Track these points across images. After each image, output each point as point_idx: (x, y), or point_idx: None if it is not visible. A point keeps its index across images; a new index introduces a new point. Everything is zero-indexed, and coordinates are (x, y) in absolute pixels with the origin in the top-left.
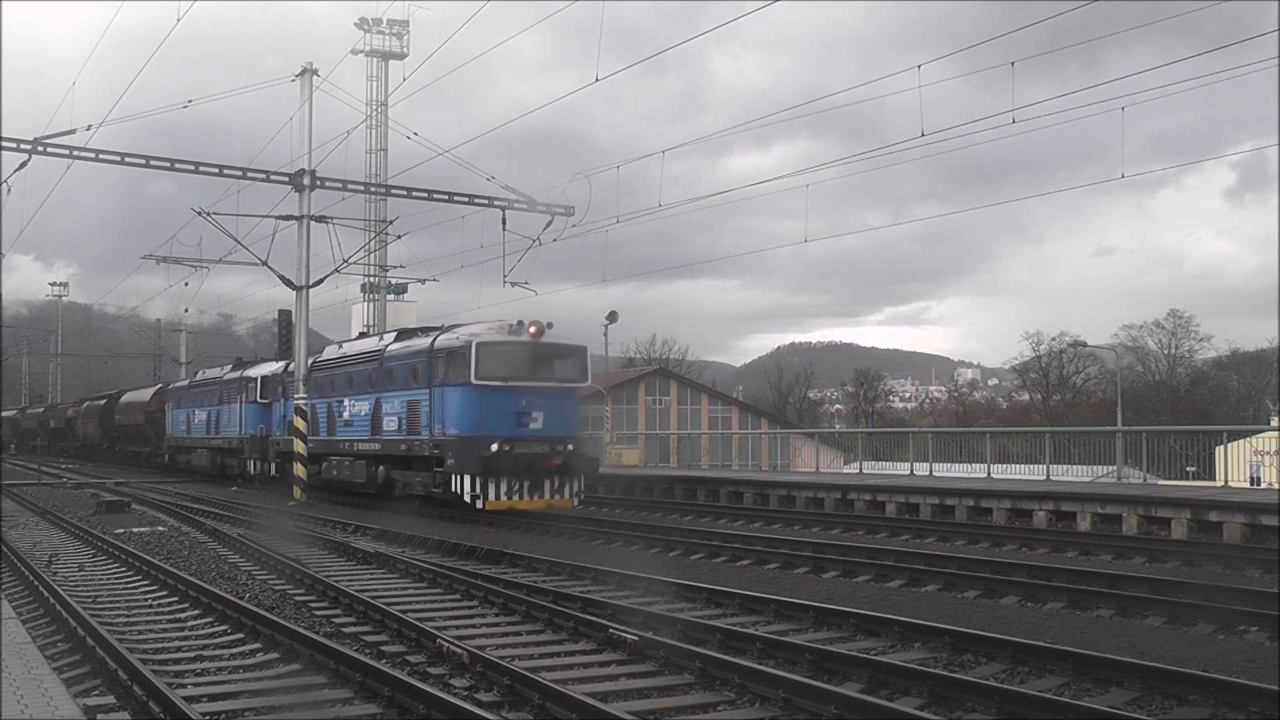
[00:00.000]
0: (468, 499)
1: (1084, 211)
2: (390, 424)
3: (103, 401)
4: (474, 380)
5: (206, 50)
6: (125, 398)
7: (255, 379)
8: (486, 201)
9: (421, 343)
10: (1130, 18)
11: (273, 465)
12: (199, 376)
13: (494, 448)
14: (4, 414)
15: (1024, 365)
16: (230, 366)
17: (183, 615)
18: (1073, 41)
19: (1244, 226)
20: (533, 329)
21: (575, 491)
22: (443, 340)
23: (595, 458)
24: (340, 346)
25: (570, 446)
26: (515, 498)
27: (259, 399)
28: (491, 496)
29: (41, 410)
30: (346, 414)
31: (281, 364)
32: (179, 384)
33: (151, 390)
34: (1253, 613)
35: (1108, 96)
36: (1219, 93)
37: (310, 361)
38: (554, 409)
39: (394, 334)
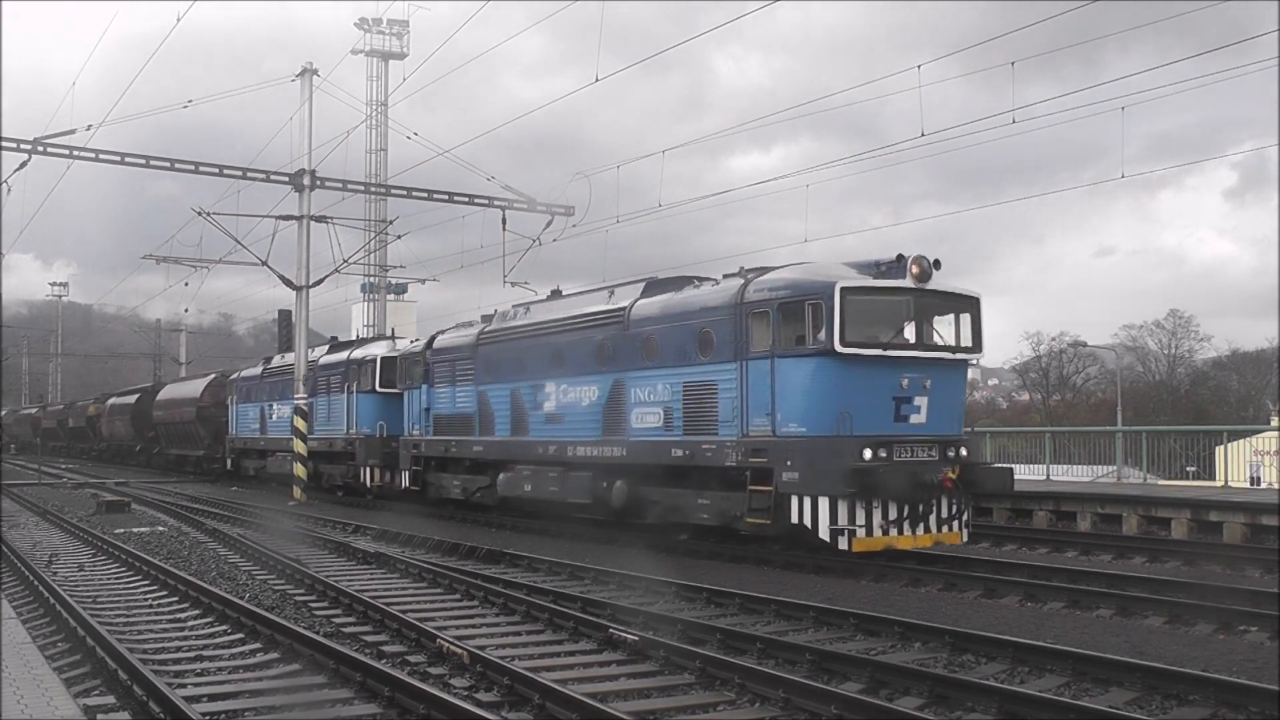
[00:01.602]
0: (824, 534)
1: (1084, 212)
2: (646, 418)
3: (135, 396)
4: (838, 347)
5: (208, 51)
6: (167, 391)
7: (372, 361)
8: (486, 201)
9: (717, 293)
10: (1129, 18)
11: (407, 475)
12: (276, 362)
13: (866, 454)
14: (22, 412)
15: (1024, 365)
16: (327, 348)
17: (183, 615)
18: (1073, 41)
19: (1245, 227)
20: (915, 268)
21: (966, 520)
22: (765, 285)
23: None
24: (528, 309)
25: (964, 451)
26: (893, 531)
27: (377, 387)
28: (862, 532)
29: (61, 408)
30: (551, 404)
31: (421, 340)
32: (248, 372)
33: (204, 381)
34: (1253, 613)
35: (1108, 97)
36: (1219, 93)
37: (476, 331)
38: (941, 394)
39: (638, 284)
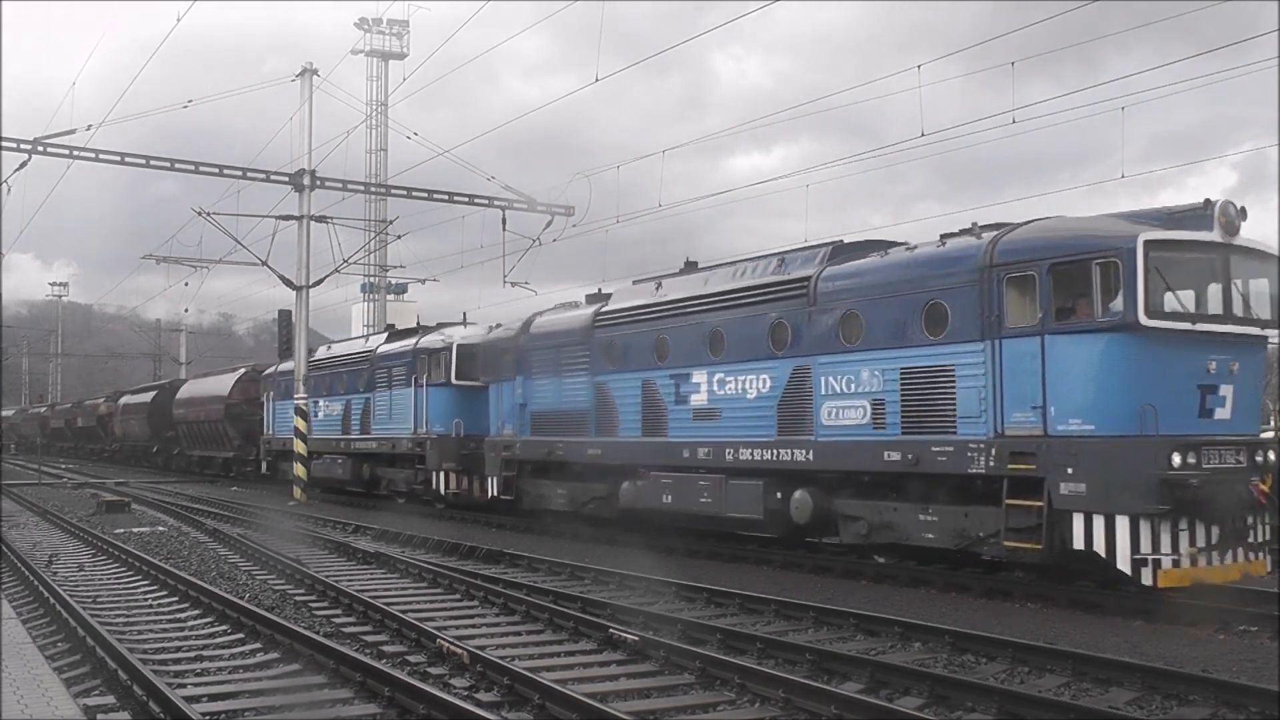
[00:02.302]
0: (1123, 565)
1: (1085, 212)
2: (844, 414)
3: (152, 394)
4: (1142, 319)
5: (208, 52)
6: (190, 388)
7: (446, 350)
8: (486, 201)
9: (950, 254)
10: (1129, 18)
11: (495, 482)
12: (323, 354)
13: (1175, 459)
14: (30, 411)
15: None
16: (385, 335)
17: (183, 615)
18: (1073, 41)
19: (1245, 227)
20: (1223, 218)
21: (1268, 541)
22: (1026, 242)
23: None
24: (659, 285)
25: (1272, 455)
26: (1202, 561)
27: (453, 379)
28: (1168, 562)
29: (69, 407)
30: (701, 398)
31: (508, 324)
32: (289, 366)
33: (233, 377)
34: (1253, 613)
35: (1108, 96)
36: (1219, 93)
37: (591, 313)
38: (1245, 381)
39: (817, 249)
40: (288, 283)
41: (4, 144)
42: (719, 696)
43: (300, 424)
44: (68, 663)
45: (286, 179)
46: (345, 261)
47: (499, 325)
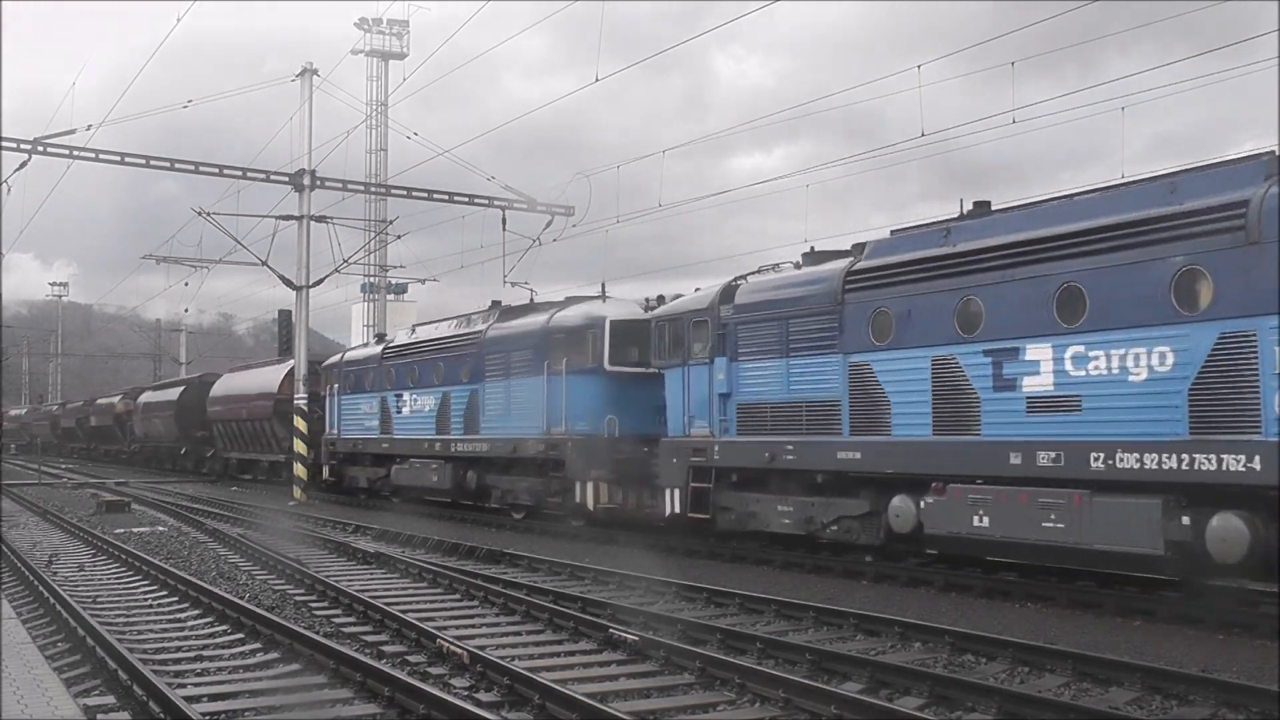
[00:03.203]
0: None
1: None
2: None
3: (179, 390)
4: None
5: (209, 53)
6: (228, 382)
7: (596, 327)
8: (486, 201)
9: None
10: (1130, 18)
11: (681, 495)
12: (405, 338)
13: None
14: (42, 409)
15: None
16: (495, 313)
17: (183, 615)
18: (1073, 41)
19: None
20: None
21: None
22: None
23: None
24: (947, 233)
25: None
26: None
27: (605, 364)
28: None
29: (81, 404)
30: (1044, 379)
31: (703, 293)
32: (358, 353)
33: (283, 369)
34: (1253, 613)
35: (1108, 96)
36: (1219, 93)
37: (841, 271)
38: None
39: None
40: (288, 283)
41: (4, 144)
42: (719, 696)
43: (300, 424)
44: (68, 663)
45: (286, 179)
46: (345, 261)
47: (659, 298)
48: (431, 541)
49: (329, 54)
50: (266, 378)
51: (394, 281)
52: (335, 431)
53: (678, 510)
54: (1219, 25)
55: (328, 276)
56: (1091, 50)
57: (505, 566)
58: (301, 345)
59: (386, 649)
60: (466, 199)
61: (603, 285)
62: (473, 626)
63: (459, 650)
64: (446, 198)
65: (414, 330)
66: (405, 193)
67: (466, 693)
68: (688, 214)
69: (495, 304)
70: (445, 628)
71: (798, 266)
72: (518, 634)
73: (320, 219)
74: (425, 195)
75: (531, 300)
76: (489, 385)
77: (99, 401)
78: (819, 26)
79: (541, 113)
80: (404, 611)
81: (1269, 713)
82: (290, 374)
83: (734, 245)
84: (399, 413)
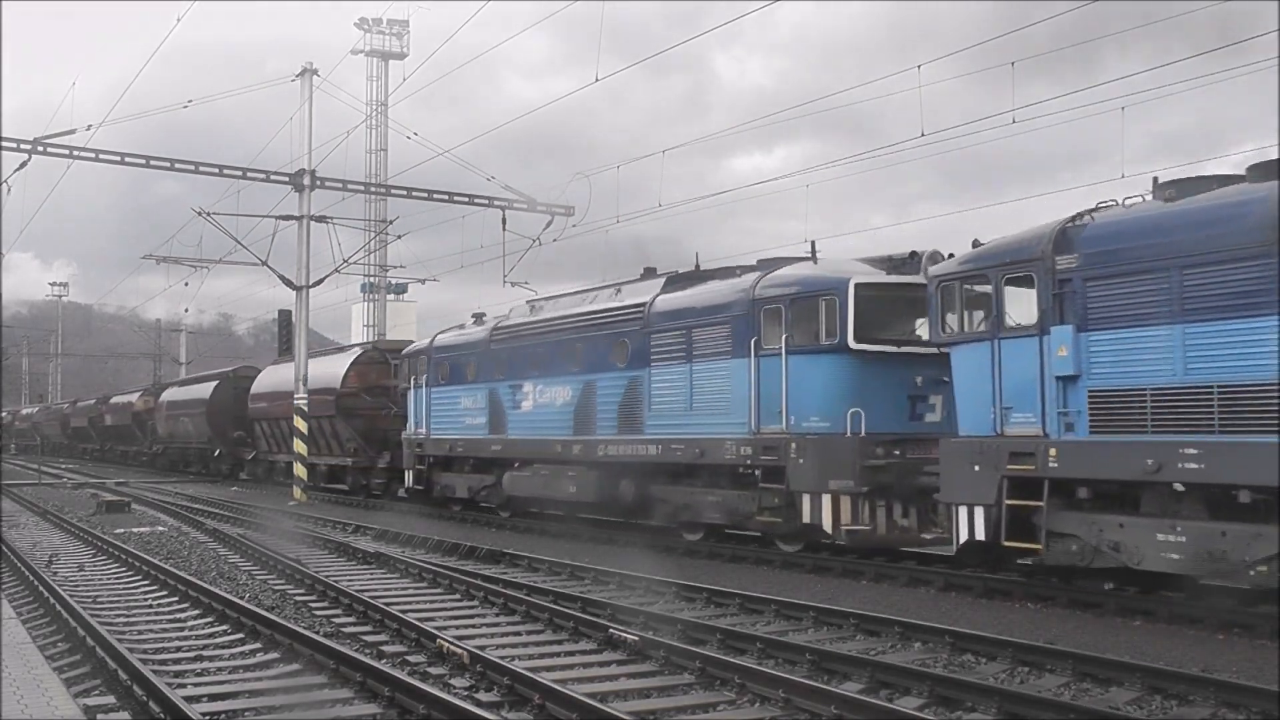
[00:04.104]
0: None
1: None
2: None
3: (212, 385)
4: None
5: (211, 55)
6: (273, 376)
7: (829, 295)
8: (486, 201)
9: None
10: (1129, 18)
11: (987, 516)
12: (523, 316)
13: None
14: (52, 408)
15: None
16: (657, 280)
17: (183, 615)
18: (1073, 41)
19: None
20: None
21: None
22: None
23: None
24: None
25: None
26: None
27: (849, 341)
28: None
29: (94, 402)
30: None
31: (1021, 238)
32: (451, 337)
33: (346, 359)
34: (1253, 613)
35: (1108, 97)
36: (1219, 93)
37: None
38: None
39: None
40: (288, 283)
41: (4, 144)
42: (719, 696)
43: (300, 424)
44: (68, 663)
45: (286, 179)
46: (345, 261)
47: (924, 254)
48: (431, 541)
49: (329, 54)
50: (327, 370)
51: (394, 281)
52: (423, 431)
53: (980, 536)
54: (1219, 25)
55: (328, 276)
56: (1091, 50)
57: (505, 566)
58: (301, 345)
59: (386, 649)
60: (466, 199)
61: (812, 245)
62: (473, 626)
63: (459, 650)
64: (446, 198)
65: (533, 307)
66: (405, 193)
67: (466, 693)
68: (688, 214)
69: (649, 270)
70: (445, 628)
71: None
72: (518, 634)
73: (320, 219)
74: (425, 195)
75: (698, 267)
76: (659, 371)
77: (114, 399)
78: (819, 27)
79: (541, 113)
80: (404, 611)
81: (1269, 713)
82: (358, 363)
83: (735, 245)
84: (516, 407)
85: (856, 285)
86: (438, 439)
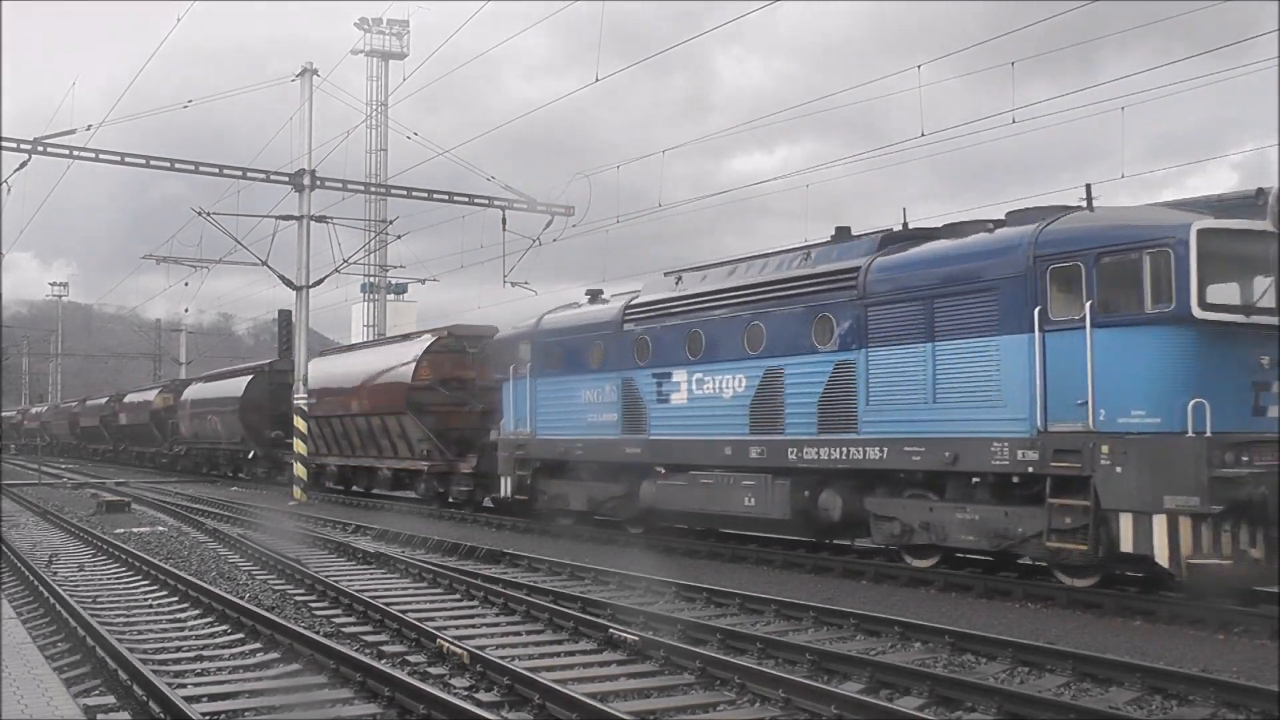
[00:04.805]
0: None
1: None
2: None
3: (244, 381)
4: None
5: (212, 56)
6: (326, 368)
7: (1167, 243)
8: (486, 201)
9: None
10: (1129, 18)
11: None
12: (668, 290)
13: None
14: (60, 406)
15: None
16: (869, 243)
17: (183, 615)
18: (1072, 41)
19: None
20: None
21: None
22: None
23: None
24: None
25: None
26: None
27: (1192, 306)
28: None
29: (105, 401)
30: None
31: None
32: (562, 318)
33: (418, 346)
34: (1253, 612)
35: (1108, 97)
36: (1219, 94)
37: None
38: None
39: None
40: (288, 283)
41: (4, 144)
42: (719, 696)
43: (300, 424)
44: (68, 663)
45: (286, 179)
46: (345, 261)
47: (1259, 190)
48: (431, 541)
49: (329, 54)
50: (393, 360)
51: (394, 281)
52: (526, 430)
53: None
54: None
55: (328, 276)
56: (1091, 50)
57: (505, 566)
58: (301, 345)
59: (386, 649)
60: (466, 199)
61: (1087, 189)
62: (473, 626)
63: (459, 650)
64: (446, 198)
65: (678, 279)
66: (405, 193)
67: (466, 693)
68: (688, 214)
69: (842, 230)
70: (445, 628)
71: None
72: (518, 634)
73: (320, 219)
74: (425, 195)
75: (905, 225)
76: (881, 353)
77: (129, 397)
78: (820, 27)
79: (542, 113)
80: (404, 611)
81: (1269, 713)
82: (430, 352)
83: (735, 245)
84: (663, 401)
85: (1200, 233)
86: (546, 440)
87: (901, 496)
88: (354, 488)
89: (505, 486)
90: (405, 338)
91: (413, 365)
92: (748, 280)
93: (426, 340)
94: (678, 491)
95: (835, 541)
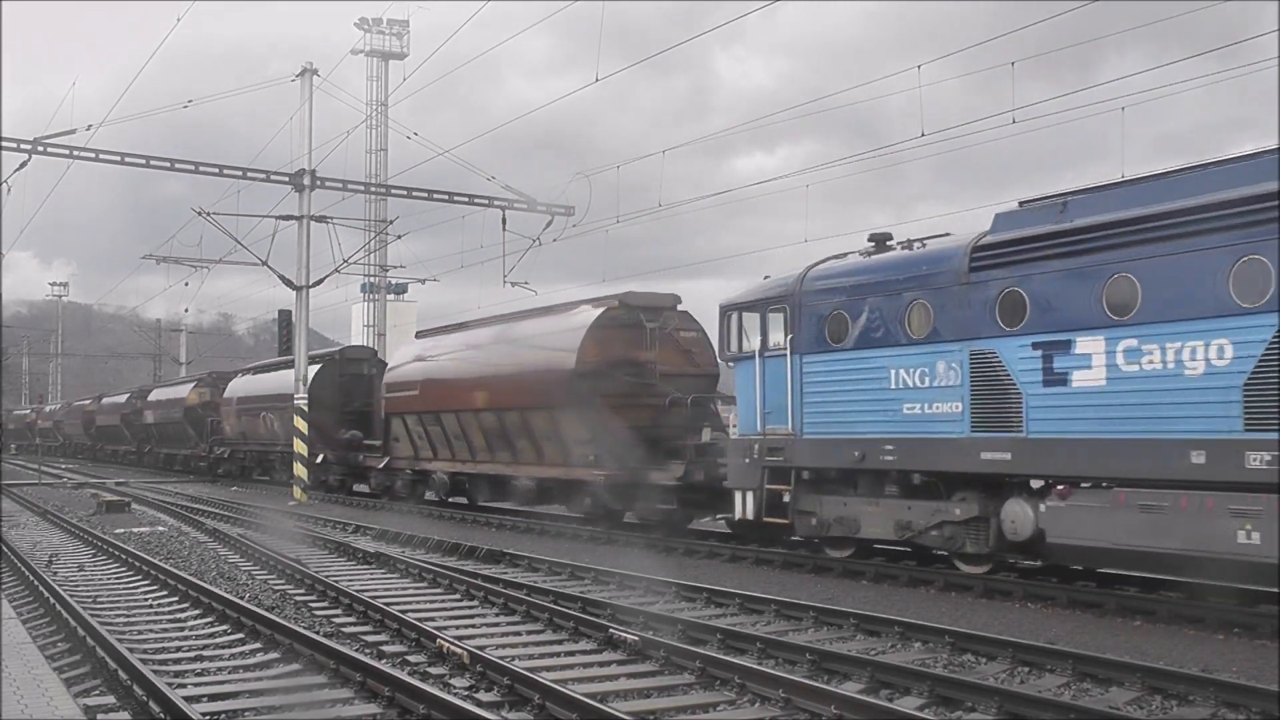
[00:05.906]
0: None
1: None
2: None
3: (314, 370)
4: None
5: (212, 56)
6: (423, 353)
7: None
8: (486, 201)
9: None
10: (1129, 18)
11: None
12: (1042, 226)
13: None
14: (74, 404)
15: None
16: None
17: (183, 615)
18: (1072, 42)
19: None
20: None
21: None
22: None
23: None
24: None
25: None
26: None
27: None
28: None
29: (126, 398)
30: None
31: None
32: (851, 265)
33: (580, 319)
34: (1253, 613)
35: (1108, 97)
36: (1219, 93)
37: None
38: None
39: None
40: (288, 283)
41: (4, 144)
42: (719, 696)
43: (300, 424)
44: (68, 663)
45: (286, 179)
46: (345, 261)
47: None
48: (431, 541)
49: (329, 54)
50: (544, 338)
51: (394, 281)
52: (784, 427)
53: None
54: (1218, 25)
55: (328, 276)
56: (1091, 50)
57: (505, 566)
58: (301, 345)
59: (386, 649)
60: (466, 199)
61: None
62: (473, 626)
63: (459, 650)
64: (446, 198)
65: (1063, 206)
66: (405, 193)
67: (466, 693)
68: (688, 214)
69: (1166, 172)
70: (445, 628)
71: None
72: (518, 634)
73: (320, 219)
74: (425, 195)
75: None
76: (1156, 329)
77: (155, 394)
78: (820, 27)
79: (542, 113)
80: (404, 611)
81: (1269, 712)
82: (595, 328)
83: (735, 245)
84: (1055, 384)
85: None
86: (818, 440)
87: None
88: (479, 502)
89: (744, 505)
90: (551, 310)
91: (576, 346)
92: (1207, 199)
93: (591, 312)
94: (1092, 518)
95: None
